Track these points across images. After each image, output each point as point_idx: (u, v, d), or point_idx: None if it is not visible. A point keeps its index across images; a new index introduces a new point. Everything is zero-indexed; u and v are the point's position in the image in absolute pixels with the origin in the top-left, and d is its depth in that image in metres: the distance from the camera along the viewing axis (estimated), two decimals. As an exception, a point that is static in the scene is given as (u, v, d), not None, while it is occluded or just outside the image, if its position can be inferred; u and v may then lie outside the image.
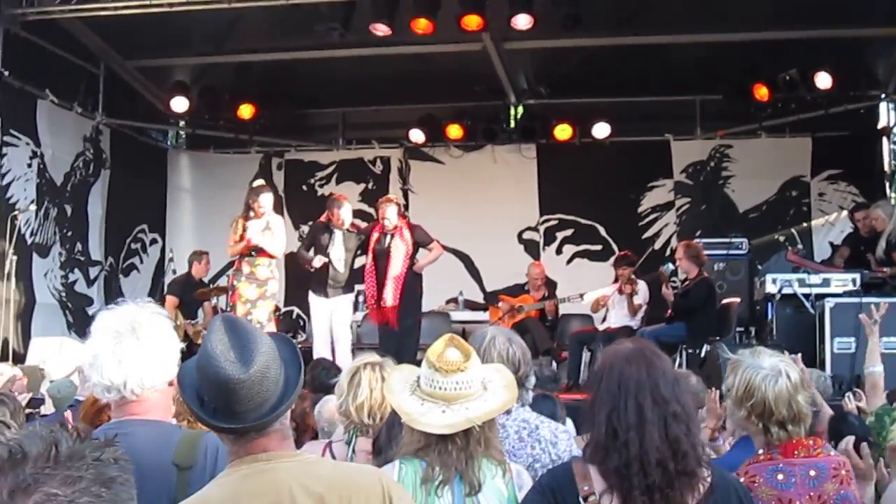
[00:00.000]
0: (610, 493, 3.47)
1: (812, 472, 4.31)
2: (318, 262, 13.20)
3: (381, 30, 14.34)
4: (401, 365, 4.63)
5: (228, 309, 13.26)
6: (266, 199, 13.14)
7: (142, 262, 18.56)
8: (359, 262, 13.84)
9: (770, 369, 4.40)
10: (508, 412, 4.89)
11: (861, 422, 6.33)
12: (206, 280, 16.57)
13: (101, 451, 1.87)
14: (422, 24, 14.12)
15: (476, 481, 4.06)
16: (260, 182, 14.23)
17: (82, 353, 12.68)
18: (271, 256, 13.11)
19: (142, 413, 3.88)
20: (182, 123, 19.51)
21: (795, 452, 4.36)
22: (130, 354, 3.81)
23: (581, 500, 3.50)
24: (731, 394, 4.55)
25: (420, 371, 4.27)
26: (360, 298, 14.42)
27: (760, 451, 4.46)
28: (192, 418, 4.99)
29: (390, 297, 13.37)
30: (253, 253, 13.02)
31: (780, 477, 4.31)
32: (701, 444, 3.59)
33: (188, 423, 4.97)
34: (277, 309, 13.98)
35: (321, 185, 19.32)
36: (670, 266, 14.39)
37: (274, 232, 13.12)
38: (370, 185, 19.14)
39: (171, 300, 15.22)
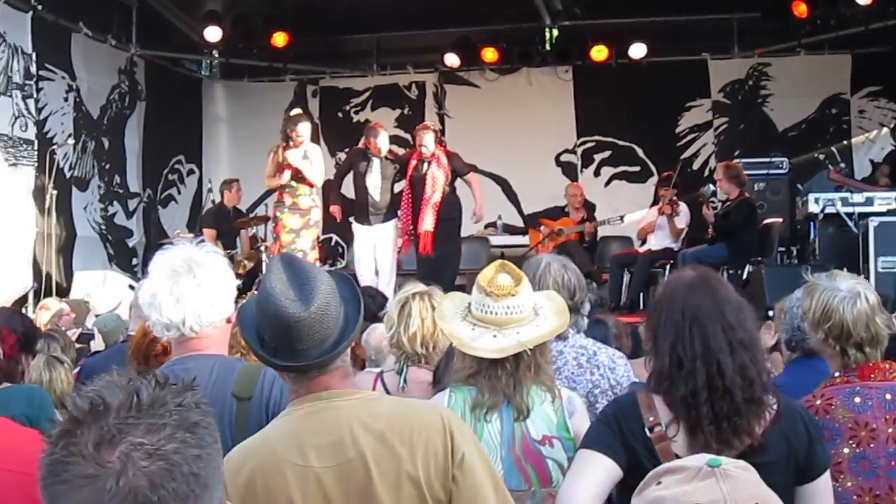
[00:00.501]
0: (676, 422, 3.46)
1: (888, 396, 4.27)
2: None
3: (417, -47, 14.26)
4: (451, 292, 4.61)
5: (272, 239, 13.28)
6: (304, 128, 13.10)
7: (179, 192, 18.60)
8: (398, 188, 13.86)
9: (848, 291, 4.33)
10: (565, 338, 4.90)
11: None
12: (241, 208, 16.58)
13: (182, 395, 1.86)
14: (457, -53, 14.02)
15: (524, 406, 4.07)
16: (297, 111, 14.20)
17: (125, 285, 12.82)
18: (311, 185, 13.10)
19: (202, 349, 3.93)
20: (216, 53, 19.48)
21: (872, 375, 4.31)
22: (188, 293, 3.84)
23: (647, 430, 3.48)
24: (807, 316, 4.49)
25: (471, 297, 4.27)
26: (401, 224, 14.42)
27: (836, 374, 4.39)
28: (247, 351, 5.05)
29: (428, 222, 13.38)
30: (293, 183, 13.00)
31: (857, 399, 4.26)
32: (767, 371, 3.56)
33: (242, 356, 5.02)
34: (318, 237, 13.97)
35: (356, 112, 19.24)
36: (711, 187, 14.35)
37: (313, 161, 13.11)
38: (406, 111, 19.07)
39: (208, 233, 15.16)
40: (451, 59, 18.28)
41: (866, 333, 4.29)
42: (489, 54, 18.08)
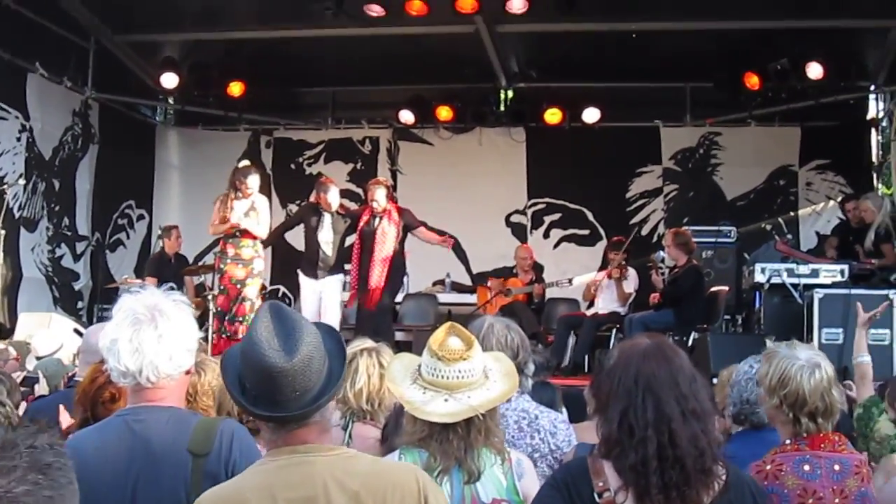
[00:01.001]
0: (625, 489, 3.46)
1: (836, 467, 4.37)
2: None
3: (375, 10, 14.38)
4: (400, 354, 4.63)
5: (219, 291, 13.25)
6: (253, 180, 13.10)
7: (129, 237, 18.50)
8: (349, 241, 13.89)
9: (807, 361, 4.45)
10: (508, 401, 4.91)
11: (844, 415, 6.36)
12: (185, 255, 16.59)
13: (35, 437, 1.86)
14: (416, 6, 14.19)
15: (475, 469, 4.08)
16: (246, 162, 14.19)
17: (70, 329, 12.72)
18: (254, 237, 13.09)
19: (157, 400, 3.86)
20: (171, 100, 19.46)
21: (822, 445, 4.42)
22: (148, 343, 3.79)
23: (596, 495, 3.48)
24: (764, 382, 4.57)
25: (420, 359, 4.27)
26: (348, 279, 14.43)
27: (788, 442, 4.48)
28: (205, 406, 5.03)
29: (376, 278, 13.41)
30: (237, 234, 13.00)
31: (807, 468, 4.35)
32: (718, 442, 3.59)
33: (203, 412, 5.00)
34: (264, 287, 13.96)
35: (309, 164, 19.27)
36: (661, 253, 14.44)
37: (259, 213, 13.11)
38: (358, 165, 19.11)
39: (151, 280, 15.12)
40: (406, 116, 18.36)
41: (821, 404, 4.39)
42: (444, 112, 18.18)
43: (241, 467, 3.47)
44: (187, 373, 3.98)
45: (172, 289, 4.24)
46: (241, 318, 12.79)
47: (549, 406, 5.42)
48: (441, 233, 14.67)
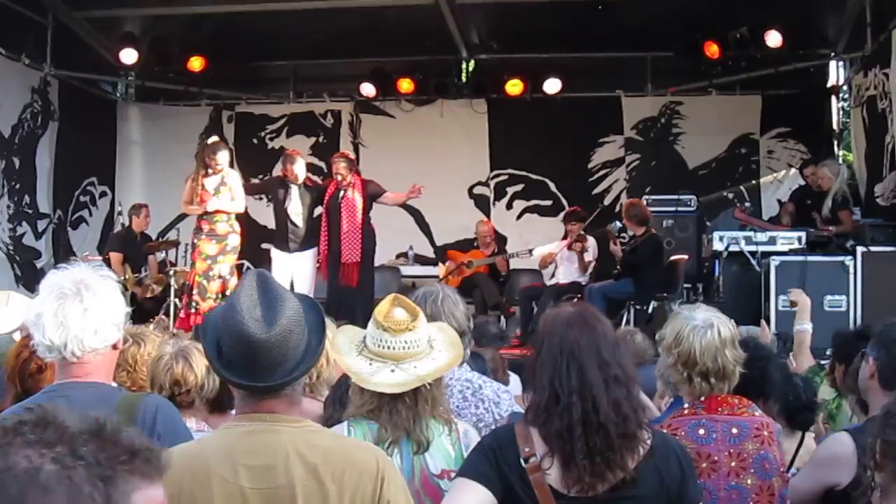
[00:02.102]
0: (551, 455, 3.52)
1: (734, 430, 4.45)
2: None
3: (333, -17, 14.32)
4: (344, 326, 4.64)
5: (189, 266, 13.26)
6: (223, 156, 13.10)
7: (91, 214, 18.39)
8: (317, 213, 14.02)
9: (702, 322, 4.52)
10: (452, 371, 4.94)
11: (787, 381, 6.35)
12: (149, 234, 16.57)
13: None
14: (374, -22, 14.09)
15: (424, 439, 4.11)
16: (215, 138, 14.16)
17: (29, 307, 12.66)
18: (228, 213, 13.08)
19: (82, 375, 3.85)
20: (131, 75, 19.34)
21: (720, 409, 4.50)
22: (73, 316, 3.78)
23: (522, 461, 3.53)
24: (662, 343, 4.67)
25: (365, 331, 4.29)
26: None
27: (686, 406, 4.58)
28: (133, 369, 5.03)
29: (354, 253, 13.46)
30: (210, 209, 12.98)
31: (702, 432, 4.44)
32: (641, 407, 3.65)
33: (128, 373, 5.00)
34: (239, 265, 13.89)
35: (272, 139, 19.22)
36: (618, 223, 14.46)
37: (232, 188, 13.11)
38: (321, 139, 19.08)
39: (115, 256, 15.15)
40: (367, 89, 18.31)
41: (712, 364, 4.47)
42: (405, 85, 18.14)
43: (166, 443, 3.44)
44: (114, 347, 3.97)
45: (123, 264, 4.24)
46: (211, 296, 12.80)
47: (482, 373, 5.46)
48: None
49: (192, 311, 12.88)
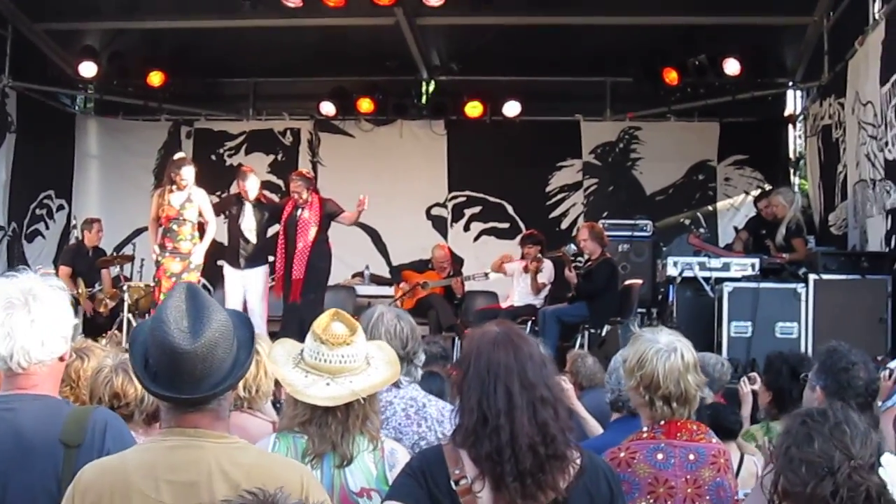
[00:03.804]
0: (482, 477, 3.49)
1: (691, 456, 4.42)
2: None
3: (292, 1, 14.30)
4: (282, 339, 4.63)
5: (154, 284, 13.21)
6: (188, 172, 13.02)
7: (47, 227, 18.24)
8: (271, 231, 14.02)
9: (665, 345, 4.49)
10: (398, 387, 4.95)
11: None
12: (103, 248, 16.43)
13: None
14: (333, -3, 14.11)
15: (348, 453, 4.12)
16: (181, 154, 14.08)
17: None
18: (193, 230, 13.02)
19: (28, 387, 3.79)
20: (91, 89, 19.25)
21: (678, 434, 4.47)
22: (20, 327, 3.72)
23: (453, 483, 3.51)
24: (625, 365, 4.65)
25: (303, 344, 4.31)
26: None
27: (645, 429, 4.54)
28: (76, 385, 4.98)
29: (298, 270, 13.45)
30: (174, 227, 12.91)
31: (660, 456, 4.40)
32: (569, 427, 3.63)
33: (71, 388, 4.95)
34: (199, 281, 13.78)
35: (230, 155, 19.13)
36: (572, 246, 14.49)
37: (196, 204, 13.05)
38: (279, 157, 19.03)
39: (63, 270, 15.12)
40: (327, 108, 18.29)
41: (675, 388, 4.43)
42: (365, 104, 18.12)
43: None
44: (61, 359, 3.90)
45: (72, 278, 4.21)
46: None
47: (439, 396, 5.44)
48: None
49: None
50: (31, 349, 3.75)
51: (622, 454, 4.42)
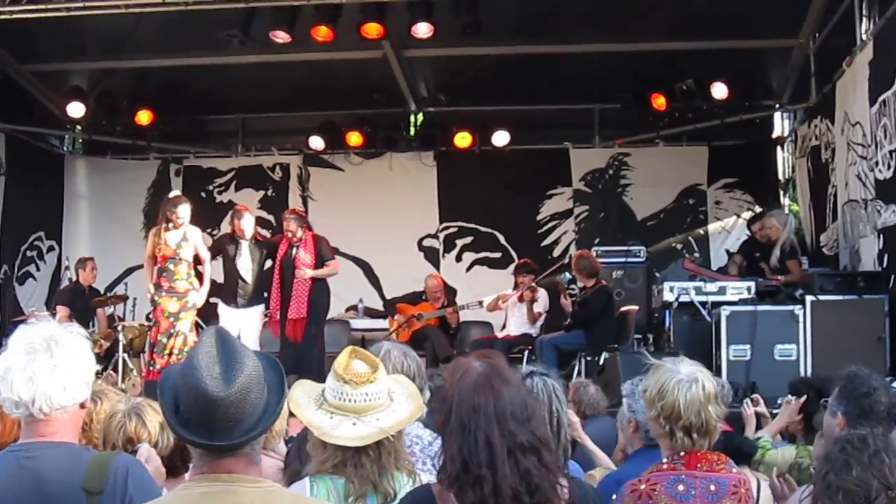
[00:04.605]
0: None
1: (712, 487, 4.34)
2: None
3: (280, 37, 14.31)
4: (300, 381, 4.60)
5: (152, 324, 13.18)
6: (184, 210, 12.96)
7: (38, 269, 18.21)
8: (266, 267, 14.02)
9: (687, 375, 4.43)
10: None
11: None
12: (97, 287, 16.46)
13: None
14: (322, 32, 14.11)
15: (391, 490, 4.07)
16: (176, 192, 13.97)
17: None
18: (189, 270, 12.98)
19: (49, 434, 3.77)
20: (79, 129, 19.21)
21: (699, 465, 4.39)
22: (42, 372, 3.71)
23: None
24: (645, 395, 4.60)
25: (322, 385, 4.26)
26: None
27: (664, 460, 4.48)
28: (89, 428, 4.94)
29: (300, 309, 13.48)
30: (170, 266, 12.88)
31: (681, 488, 4.34)
32: (556, 470, 3.52)
33: (83, 431, 4.92)
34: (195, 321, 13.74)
35: (220, 192, 19.13)
36: (567, 275, 14.48)
37: (192, 243, 13.02)
38: (269, 192, 19.04)
39: (62, 310, 15.08)
40: (316, 142, 18.29)
41: (696, 419, 4.37)
42: (354, 138, 18.12)
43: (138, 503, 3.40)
44: (82, 406, 3.89)
45: (70, 319, 4.20)
46: (174, 352, 12.69)
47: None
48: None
49: (154, 369, 12.77)
50: (53, 394, 3.73)
51: (642, 486, 4.36)
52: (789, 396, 7.60)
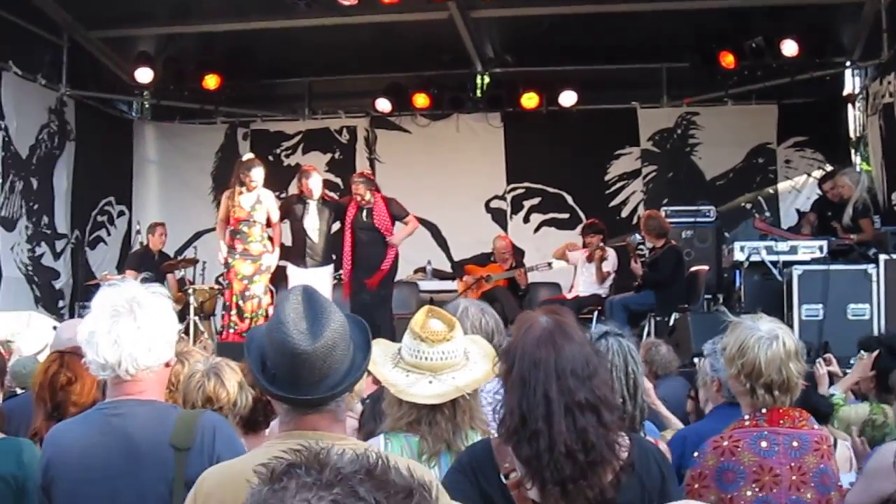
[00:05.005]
0: (529, 478, 3.42)
1: (795, 443, 4.33)
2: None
3: (347, -1, 14.31)
4: (377, 339, 4.61)
5: (224, 286, 13.26)
6: (258, 173, 13.04)
7: (109, 234, 18.40)
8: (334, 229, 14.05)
9: (767, 333, 4.38)
10: (482, 384, 4.89)
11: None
12: (167, 252, 16.62)
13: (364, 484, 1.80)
14: (388, -7, 14.10)
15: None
16: (250, 156, 14.03)
17: (50, 327, 12.65)
18: (262, 230, 13.07)
19: (136, 393, 3.84)
20: (147, 94, 19.32)
21: (781, 422, 4.37)
22: (126, 334, 3.77)
23: (503, 477, 3.46)
24: (725, 352, 4.56)
25: (399, 344, 4.27)
26: (339, 272, 14.39)
27: (746, 417, 4.45)
28: (175, 388, 5.00)
29: (368, 270, 13.55)
30: (244, 229, 12.96)
31: (764, 444, 4.31)
32: (616, 429, 3.47)
33: (170, 392, 4.98)
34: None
35: (287, 156, 19.19)
36: (637, 236, 14.42)
37: (267, 206, 13.10)
38: (336, 155, 19.08)
39: (131, 274, 15.12)
40: (383, 105, 18.31)
41: (777, 376, 4.34)
42: (420, 100, 18.14)
43: (226, 460, 3.42)
44: (167, 365, 3.96)
45: (146, 280, 4.23)
46: (249, 315, 12.78)
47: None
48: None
49: (232, 331, 12.88)
50: (138, 356, 3.79)
51: (725, 443, 4.34)
52: (862, 353, 7.56)
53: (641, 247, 14.67)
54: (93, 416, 3.91)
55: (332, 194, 14.95)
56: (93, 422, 3.87)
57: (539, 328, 3.48)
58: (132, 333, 3.78)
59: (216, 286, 15.17)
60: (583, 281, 15.00)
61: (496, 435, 3.89)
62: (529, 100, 17.87)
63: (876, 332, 10.69)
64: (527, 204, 18.53)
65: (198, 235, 18.21)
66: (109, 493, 3.72)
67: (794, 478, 4.29)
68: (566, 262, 15.45)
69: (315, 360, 3.12)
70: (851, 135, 17.89)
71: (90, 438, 3.80)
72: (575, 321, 3.63)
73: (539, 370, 3.39)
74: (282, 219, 13.65)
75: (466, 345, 4.29)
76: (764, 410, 4.40)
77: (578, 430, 3.34)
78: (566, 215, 18.28)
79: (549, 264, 15.64)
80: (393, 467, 1.83)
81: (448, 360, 4.13)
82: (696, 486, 4.34)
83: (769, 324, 4.48)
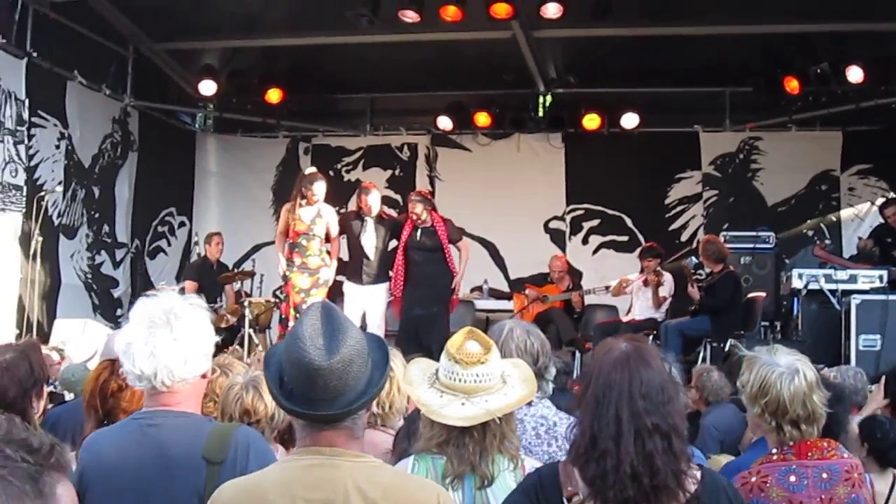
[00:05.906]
0: (592, 497, 3.41)
1: (824, 475, 4.27)
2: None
3: (409, 16, 14.32)
4: (417, 358, 4.58)
5: (282, 299, 13.30)
6: (319, 187, 13.07)
7: (169, 244, 18.54)
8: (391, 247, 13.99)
9: (787, 367, 4.34)
10: (529, 405, 4.86)
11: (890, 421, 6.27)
12: (225, 262, 16.69)
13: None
14: (451, 12, 14.09)
15: (488, 474, 4.04)
16: (312, 169, 14.03)
17: (105, 335, 12.73)
18: (321, 244, 13.10)
19: (172, 404, 3.87)
20: (210, 107, 19.48)
21: (809, 454, 4.32)
22: (163, 346, 3.80)
23: (565, 500, 3.45)
24: (745, 390, 4.49)
25: (438, 364, 4.25)
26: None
27: (774, 451, 4.40)
28: (217, 413, 5.02)
29: (426, 287, 13.56)
30: (303, 242, 13.00)
31: (793, 479, 4.27)
32: (684, 457, 3.45)
33: (215, 403, 5.00)
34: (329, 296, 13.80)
35: (348, 171, 19.27)
36: (693, 259, 14.34)
37: (327, 220, 13.13)
38: (397, 172, 19.13)
39: (190, 285, 15.29)
40: (444, 122, 18.32)
41: (803, 411, 4.29)
42: (482, 119, 18.14)
43: None
44: (203, 377, 3.99)
45: (198, 293, 4.25)
46: None
47: (567, 412, 5.35)
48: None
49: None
50: (174, 368, 3.82)
51: (753, 479, 4.30)
52: (870, 386, 7.49)
53: (699, 272, 14.56)
54: (128, 426, 3.94)
55: (390, 211, 14.98)
56: (128, 431, 3.90)
57: (617, 352, 3.50)
58: (168, 345, 3.80)
59: (272, 299, 15.24)
60: (639, 305, 14.91)
61: (524, 458, 3.88)
62: (591, 121, 17.81)
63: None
64: (586, 225, 18.47)
65: (256, 248, 18.33)
66: (141, 502, 3.73)
67: None
68: (626, 290, 15.36)
69: (331, 375, 3.13)
70: (917, 163, 17.69)
71: (125, 448, 3.82)
72: (655, 349, 3.63)
73: (612, 391, 3.40)
74: (341, 234, 13.66)
75: (505, 368, 4.27)
76: (791, 443, 4.33)
77: (646, 453, 3.33)
78: (625, 238, 18.21)
79: (607, 288, 15.56)
80: (22, 429, 1.96)
81: (482, 382, 4.10)
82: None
83: (787, 356, 4.43)
